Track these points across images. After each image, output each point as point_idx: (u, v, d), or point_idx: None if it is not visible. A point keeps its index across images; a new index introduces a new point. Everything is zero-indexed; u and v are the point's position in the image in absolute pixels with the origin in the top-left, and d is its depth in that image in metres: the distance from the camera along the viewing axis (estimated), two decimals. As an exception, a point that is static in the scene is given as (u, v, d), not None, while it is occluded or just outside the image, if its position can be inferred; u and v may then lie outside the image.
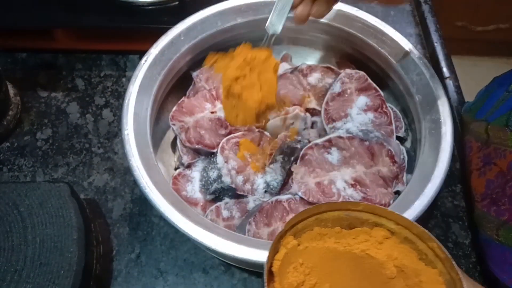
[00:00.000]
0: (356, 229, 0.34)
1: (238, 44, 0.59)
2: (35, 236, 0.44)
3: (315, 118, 0.56)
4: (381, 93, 0.53)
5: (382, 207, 0.33)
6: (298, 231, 0.33)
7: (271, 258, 0.31)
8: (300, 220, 0.33)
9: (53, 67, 0.66)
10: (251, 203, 0.49)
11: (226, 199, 0.50)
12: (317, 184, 0.47)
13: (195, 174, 0.52)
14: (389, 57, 0.54)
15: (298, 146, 0.50)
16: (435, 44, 0.67)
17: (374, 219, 0.34)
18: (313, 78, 0.55)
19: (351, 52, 0.59)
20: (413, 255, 0.32)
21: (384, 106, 0.53)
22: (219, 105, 0.52)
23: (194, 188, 0.51)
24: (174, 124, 0.52)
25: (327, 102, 0.53)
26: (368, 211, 0.34)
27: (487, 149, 0.48)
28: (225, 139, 0.51)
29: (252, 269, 0.48)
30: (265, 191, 0.49)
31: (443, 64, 0.65)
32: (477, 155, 0.50)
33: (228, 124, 0.52)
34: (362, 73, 0.54)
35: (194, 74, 0.55)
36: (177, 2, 0.61)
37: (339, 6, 0.56)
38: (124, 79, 0.65)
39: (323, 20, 0.56)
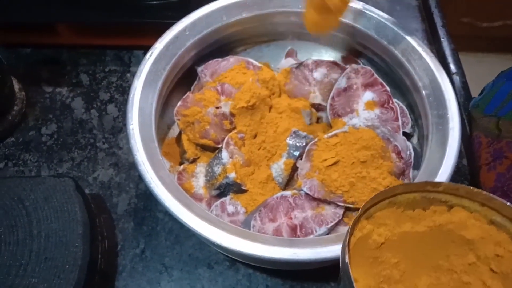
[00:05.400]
0: (432, 209, 0.32)
1: (243, 39, 0.59)
2: (40, 230, 0.44)
3: (321, 114, 0.55)
4: (388, 88, 0.53)
5: (467, 186, 0.31)
6: (370, 216, 0.32)
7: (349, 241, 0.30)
8: (373, 204, 0.32)
9: (58, 62, 0.66)
10: (256, 198, 0.49)
11: (231, 195, 0.49)
12: (323, 180, 0.47)
13: (200, 169, 0.51)
14: (395, 52, 0.53)
15: (304, 141, 0.50)
16: (442, 39, 0.67)
17: (455, 200, 0.32)
18: (319, 73, 0.55)
19: (357, 47, 0.58)
20: (504, 237, 0.30)
21: (390, 101, 0.52)
22: (224, 100, 0.52)
23: (199, 183, 0.51)
24: (178, 119, 0.52)
25: (332, 98, 0.53)
26: (450, 192, 0.31)
27: (498, 143, 0.48)
28: (230, 134, 0.51)
29: (257, 265, 0.48)
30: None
31: (450, 59, 0.65)
32: (487, 150, 0.50)
33: (233, 119, 0.51)
34: (368, 68, 0.54)
35: (199, 69, 0.55)
36: (181, -3, 0.61)
37: (345, 0, 0.55)
38: (128, 75, 0.64)
39: (328, 15, 0.56)
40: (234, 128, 0.52)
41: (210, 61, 0.55)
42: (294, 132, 0.50)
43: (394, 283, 0.31)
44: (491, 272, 0.30)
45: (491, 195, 0.30)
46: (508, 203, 0.30)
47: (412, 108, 0.55)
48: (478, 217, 0.31)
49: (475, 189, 0.31)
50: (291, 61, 0.58)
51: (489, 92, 0.53)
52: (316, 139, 0.49)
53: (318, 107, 0.55)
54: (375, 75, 0.53)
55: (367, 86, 0.53)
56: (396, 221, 0.32)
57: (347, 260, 0.28)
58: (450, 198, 0.32)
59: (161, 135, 0.54)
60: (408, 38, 0.53)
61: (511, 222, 0.30)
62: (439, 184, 0.31)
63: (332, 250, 0.39)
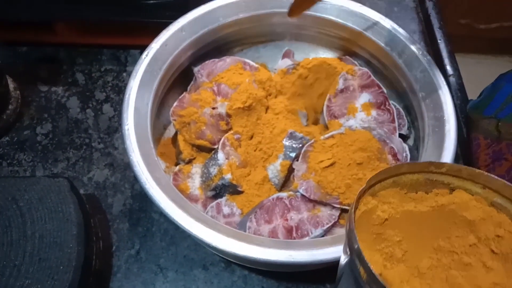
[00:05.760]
0: (434, 192, 0.33)
1: (240, 39, 0.59)
2: (34, 231, 0.44)
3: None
4: (384, 90, 0.53)
5: (470, 167, 0.31)
6: (374, 193, 0.33)
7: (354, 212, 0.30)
8: (378, 181, 0.32)
9: (54, 61, 0.65)
10: (252, 200, 0.48)
11: (227, 196, 0.49)
12: (319, 182, 0.47)
13: (196, 170, 0.51)
14: (392, 53, 0.53)
15: (300, 143, 0.49)
16: (439, 41, 0.67)
17: (457, 183, 0.32)
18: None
19: (354, 49, 0.58)
20: (504, 218, 0.31)
21: (387, 103, 0.52)
22: (220, 100, 0.52)
23: (194, 184, 0.51)
24: (174, 120, 0.52)
25: (329, 99, 0.53)
26: (452, 173, 0.32)
27: (498, 145, 0.48)
28: (226, 135, 0.51)
29: (253, 266, 0.48)
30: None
31: (446, 61, 0.64)
32: (486, 152, 0.50)
33: (229, 120, 0.51)
34: (365, 69, 0.54)
35: (196, 69, 0.55)
36: (178, -3, 0.61)
37: (342, 2, 0.55)
38: (124, 74, 0.64)
39: (326, 16, 0.56)
40: (230, 129, 0.52)
41: (206, 62, 0.55)
42: (291, 133, 0.50)
43: (396, 262, 0.31)
44: (491, 253, 0.31)
45: (492, 175, 0.31)
46: (509, 183, 0.30)
47: (409, 110, 0.55)
48: (479, 199, 0.32)
49: (477, 170, 0.31)
50: (288, 62, 0.57)
51: (489, 94, 0.53)
52: (312, 141, 0.49)
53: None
54: (372, 77, 0.53)
55: (364, 87, 0.53)
56: (399, 201, 0.33)
57: (353, 226, 0.28)
58: (452, 180, 0.32)
59: (157, 136, 0.53)
60: (405, 40, 0.53)
61: (511, 203, 0.31)
62: (442, 164, 0.32)
63: (328, 252, 0.39)
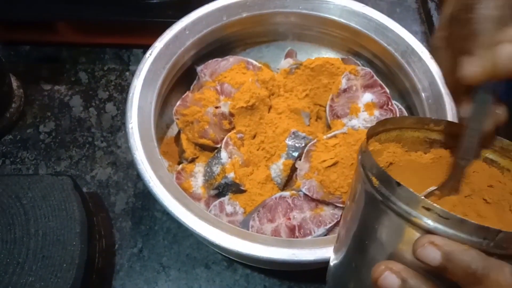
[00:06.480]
0: (432, 151, 0.34)
1: (243, 39, 0.59)
2: (37, 229, 0.44)
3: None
4: (387, 90, 0.53)
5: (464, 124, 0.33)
6: (381, 142, 0.34)
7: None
8: (383, 130, 0.34)
9: (57, 60, 0.65)
10: (254, 199, 0.48)
11: (230, 195, 0.49)
12: (322, 181, 0.47)
13: (199, 169, 0.51)
14: (395, 54, 0.53)
15: (303, 142, 0.50)
16: (441, 42, 0.67)
17: (453, 143, 0.34)
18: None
19: (357, 49, 0.58)
20: (494, 171, 0.33)
21: (389, 103, 0.52)
22: (223, 100, 0.52)
23: (197, 183, 0.51)
24: (178, 119, 0.52)
25: (332, 99, 0.53)
26: (449, 131, 0.34)
27: None
28: (229, 134, 0.51)
29: (255, 265, 0.48)
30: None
31: (448, 62, 0.65)
32: None
33: (232, 119, 0.51)
34: (368, 70, 0.54)
35: (199, 68, 0.55)
36: (182, -4, 0.61)
37: (345, 2, 0.55)
38: (127, 73, 0.64)
39: (328, 15, 0.56)
40: (233, 128, 0.52)
41: (209, 61, 0.55)
42: (293, 133, 0.50)
43: None
44: (484, 203, 0.32)
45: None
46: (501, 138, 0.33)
47: (411, 110, 0.55)
48: None
49: None
50: (290, 62, 0.58)
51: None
52: (315, 140, 0.49)
53: (317, 108, 0.55)
54: (375, 77, 0.53)
55: (367, 87, 0.53)
56: (401, 154, 0.35)
57: (366, 148, 0.29)
58: (448, 140, 0.34)
59: (160, 134, 0.54)
60: (408, 40, 0.53)
61: (501, 157, 0.33)
62: (440, 121, 0.34)
63: (331, 251, 0.39)
